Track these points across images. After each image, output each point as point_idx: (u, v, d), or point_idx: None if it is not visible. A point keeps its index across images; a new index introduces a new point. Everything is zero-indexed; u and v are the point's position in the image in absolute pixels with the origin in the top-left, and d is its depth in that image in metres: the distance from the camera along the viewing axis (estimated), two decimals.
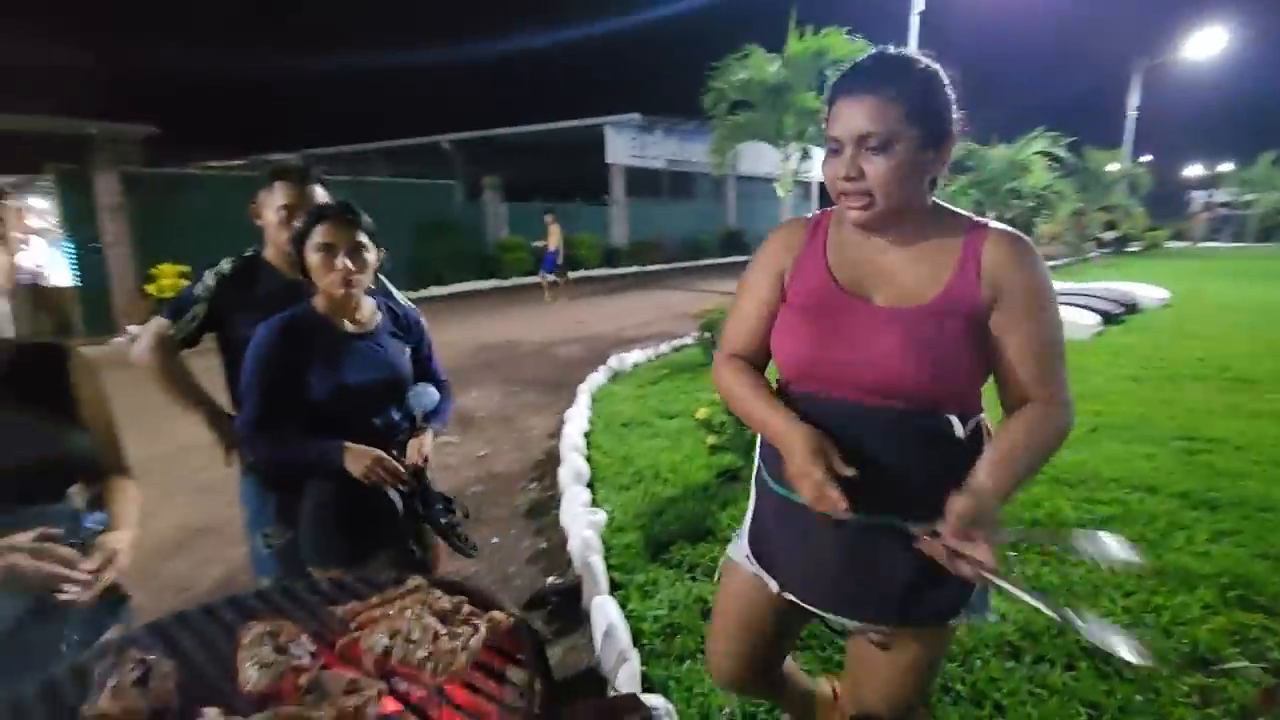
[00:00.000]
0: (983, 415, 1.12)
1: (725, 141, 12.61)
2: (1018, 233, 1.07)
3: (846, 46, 10.67)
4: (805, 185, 24.27)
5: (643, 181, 19.71)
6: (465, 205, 17.06)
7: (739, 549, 1.30)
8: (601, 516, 3.16)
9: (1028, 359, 1.03)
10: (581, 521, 3.07)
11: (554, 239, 12.27)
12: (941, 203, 1.11)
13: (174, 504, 3.75)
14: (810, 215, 1.19)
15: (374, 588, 1.00)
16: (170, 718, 0.77)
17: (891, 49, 1.05)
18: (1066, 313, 4.16)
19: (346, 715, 0.72)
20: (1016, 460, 1.01)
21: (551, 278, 12.50)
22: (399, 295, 2.03)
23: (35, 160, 9.52)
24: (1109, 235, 22.83)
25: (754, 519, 1.26)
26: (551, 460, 4.22)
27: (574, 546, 2.93)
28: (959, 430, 1.06)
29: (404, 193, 15.44)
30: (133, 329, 8.92)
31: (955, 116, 1.02)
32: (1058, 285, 2.18)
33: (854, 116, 0.98)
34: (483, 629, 0.84)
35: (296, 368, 1.62)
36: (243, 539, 2.04)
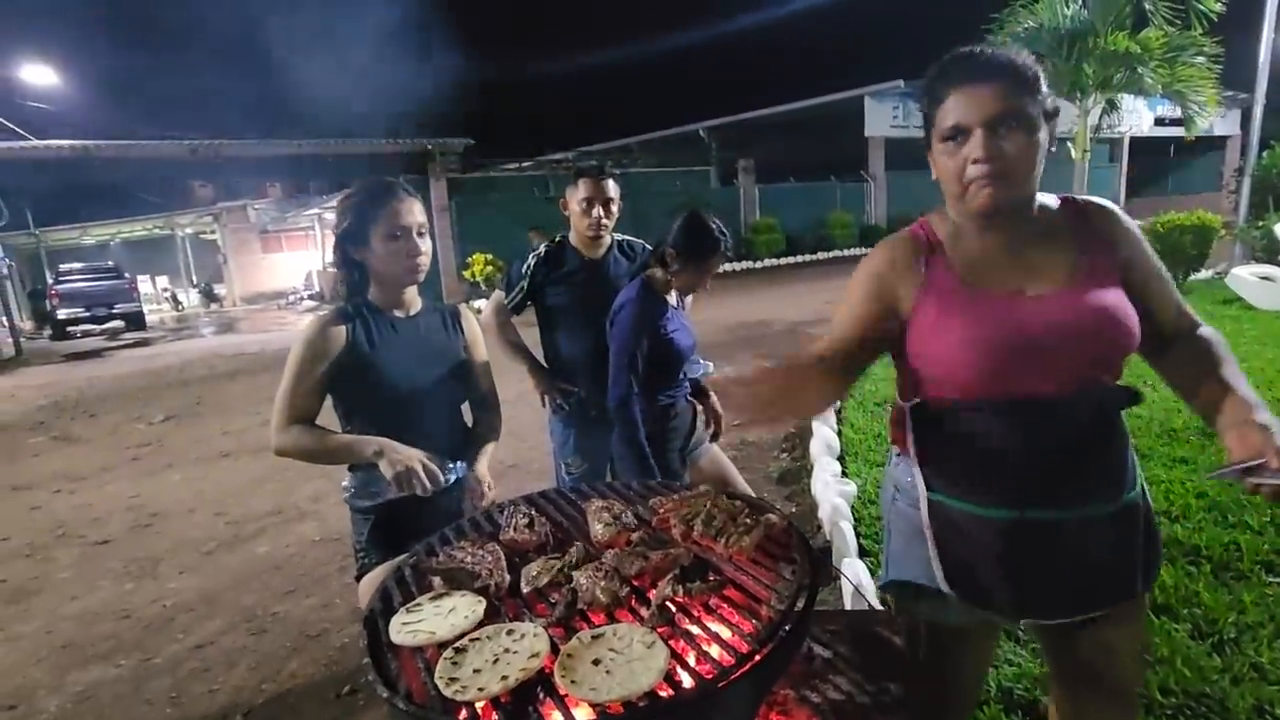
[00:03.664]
0: None
1: None
2: (1097, 199, 1.13)
3: None
4: (1108, 144, 20.54)
5: (903, 153, 18.41)
6: (720, 190, 17.63)
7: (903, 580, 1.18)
8: (852, 488, 3.23)
9: (1169, 297, 1.11)
10: (832, 489, 3.18)
11: None
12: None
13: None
14: (908, 233, 1.16)
15: (672, 490, 1.28)
16: (548, 549, 1.13)
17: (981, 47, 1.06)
18: None
19: (664, 561, 0.99)
20: (1240, 376, 1.04)
21: None
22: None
23: (392, 173, 12.47)
24: None
25: (939, 546, 1.10)
26: (802, 433, 4.35)
27: (824, 512, 3.05)
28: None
29: (662, 181, 16.47)
30: (476, 303, 11.07)
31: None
32: None
33: (985, 98, 0.98)
34: (762, 524, 1.06)
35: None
36: (540, 475, 2.53)
